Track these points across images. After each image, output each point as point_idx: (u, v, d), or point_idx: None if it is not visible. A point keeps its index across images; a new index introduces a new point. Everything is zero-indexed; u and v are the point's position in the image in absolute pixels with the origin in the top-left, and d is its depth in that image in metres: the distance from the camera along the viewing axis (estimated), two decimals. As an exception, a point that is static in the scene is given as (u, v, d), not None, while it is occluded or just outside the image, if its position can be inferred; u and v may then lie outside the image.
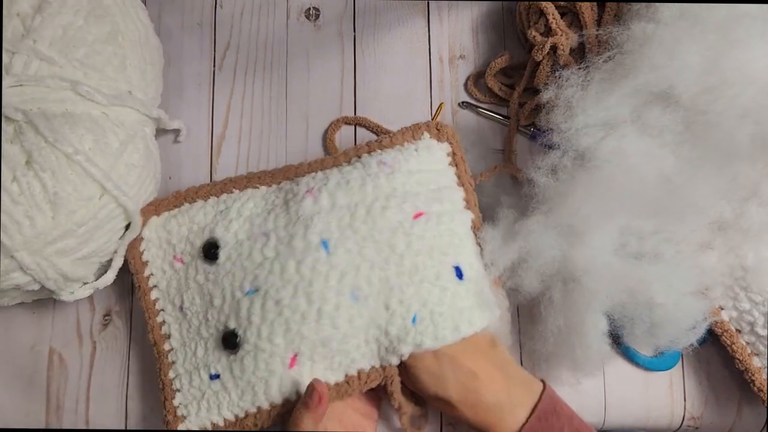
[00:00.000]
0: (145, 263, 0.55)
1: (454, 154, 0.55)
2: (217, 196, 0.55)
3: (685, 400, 0.58)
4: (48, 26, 0.47)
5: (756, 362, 0.53)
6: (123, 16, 0.52)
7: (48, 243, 0.46)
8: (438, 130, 0.55)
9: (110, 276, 0.53)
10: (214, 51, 0.64)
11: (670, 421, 0.57)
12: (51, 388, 0.57)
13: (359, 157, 0.54)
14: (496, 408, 0.47)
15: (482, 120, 0.63)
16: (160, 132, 0.58)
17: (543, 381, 0.49)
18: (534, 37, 0.56)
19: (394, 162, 0.53)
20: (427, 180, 0.53)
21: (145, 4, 0.63)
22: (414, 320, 0.48)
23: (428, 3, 0.65)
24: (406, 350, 0.48)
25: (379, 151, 0.54)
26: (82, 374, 0.57)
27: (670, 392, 0.57)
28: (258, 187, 0.55)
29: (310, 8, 0.65)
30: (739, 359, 0.53)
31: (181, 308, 0.54)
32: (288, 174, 0.55)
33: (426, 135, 0.55)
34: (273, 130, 0.62)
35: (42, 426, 0.56)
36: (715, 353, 0.57)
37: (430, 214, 0.51)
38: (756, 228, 0.51)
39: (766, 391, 0.52)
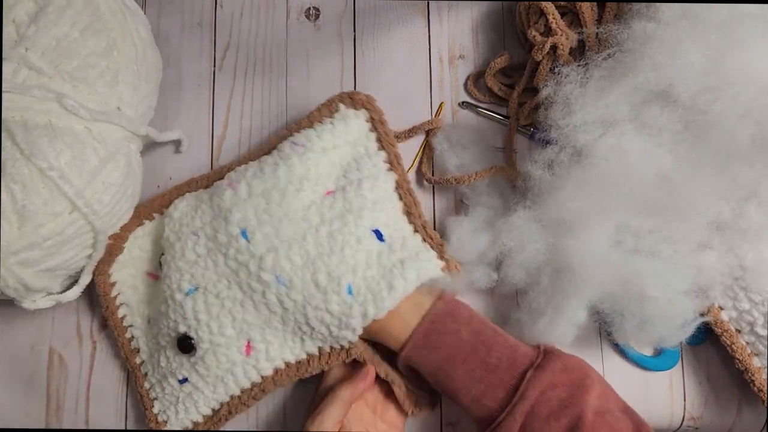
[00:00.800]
0: (113, 284, 0.55)
1: (372, 119, 0.56)
2: (167, 207, 0.56)
3: (684, 400, 0.57)
4: (42, 36, 0.47)
5: (756, 362, 0.53)
6: (122, 31, 0.52)
7: (11, 253, 0.45)
8: (352, 99, 0.56)
9: (75, 291, 0.52)
10: (214, 51, 0.64)
11: (669, 422, 0.57)
12: (51, 387, 0.57)
13: (280, 142, 0.55)
14: (387, 322, 0.49)
15: (482, 120, 0.63)
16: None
17: (442, 291, 0.51)
18: (534, 36, 0.56)
19: (307, 140, 0.53)
20: (342, 155, 0.54)
21: (144, 5, 0.63)
22: (350, 291, 0.48)
23: (428, 3, 0.65)
24: (356, 323, 0.49)
25: (297, 133, 0.55)
26: (82, 374, 0.57)
27: (670, 392, 0.57)
28: (196, 191, 0.57)
29: (310, 8, 0.65)
30: (738, 359, 0.53)
31: (149, 320, 0.55)
32: (221, 173, 0.56)
33: (341, 106, 0.56)
34: (273, 130, 0.62)
35: (42, 426, 0.57)
36: (715, 353, 0.57)
37: (346, 185, 0.52)
38: (755, 228, 0.51)
39: (766, 391, 0.52)
